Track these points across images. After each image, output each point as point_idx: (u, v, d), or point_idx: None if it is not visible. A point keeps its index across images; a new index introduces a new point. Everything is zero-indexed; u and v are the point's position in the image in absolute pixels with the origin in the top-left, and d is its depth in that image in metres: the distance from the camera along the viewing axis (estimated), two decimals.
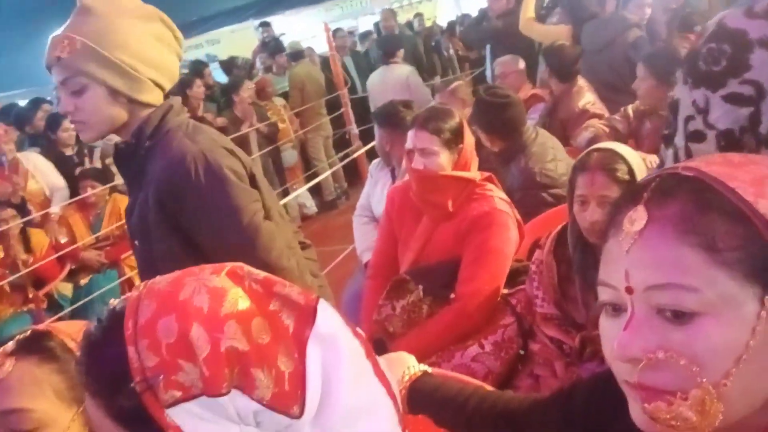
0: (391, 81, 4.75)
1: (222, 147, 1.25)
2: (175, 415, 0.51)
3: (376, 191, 2.63)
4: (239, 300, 0.53)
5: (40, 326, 0.82)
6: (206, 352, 0.50)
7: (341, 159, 5.81)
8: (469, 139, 1.85)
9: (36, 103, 4.71)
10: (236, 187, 1.23)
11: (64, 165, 3.97)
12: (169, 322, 0.51)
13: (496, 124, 2.41)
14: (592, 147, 1.57)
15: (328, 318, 0.57)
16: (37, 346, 0.77)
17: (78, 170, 3.93)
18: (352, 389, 0.55)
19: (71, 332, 0.79)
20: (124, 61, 1.20)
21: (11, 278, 3.19)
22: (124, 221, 3.73)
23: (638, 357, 0.48)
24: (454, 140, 1.81)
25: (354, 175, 5.71)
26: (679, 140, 0.70)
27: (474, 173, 1.84)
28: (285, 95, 5.97)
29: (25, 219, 3.27)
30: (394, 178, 2.56)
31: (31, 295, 3.41)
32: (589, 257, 1.47)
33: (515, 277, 1.81)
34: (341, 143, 6.17)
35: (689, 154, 0.67)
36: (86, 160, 4.12)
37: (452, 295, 1.73)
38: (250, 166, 1.30)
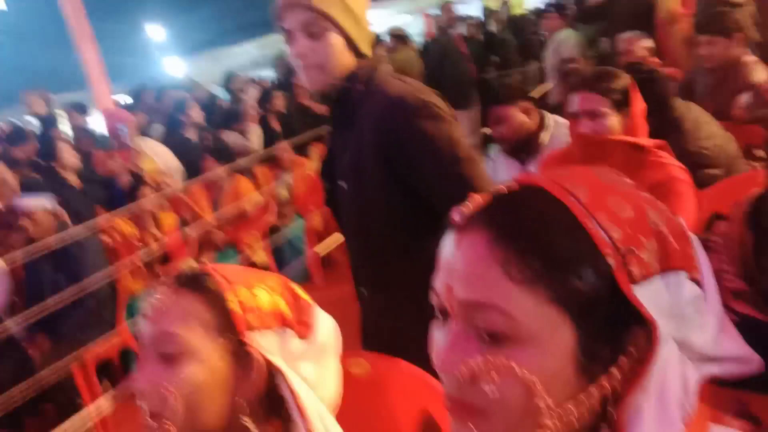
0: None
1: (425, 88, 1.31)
2: (639, 294, 0.45)
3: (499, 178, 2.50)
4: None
5: (202, 265, 0.88)
6: (664, 226, 0.48)
7: None
8: (638, 102, 1.74)
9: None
10: (450, 123, 1.28)
11: (186, 148, 4.15)
12: (617, 199, 0.48)
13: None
14: None
15: None
16: (193, 282, 0.81)
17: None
18: None
19: (227, 273, 0.82)
20: (358, 12, 1.26)
21: (150, 258, 3.35)
22: (242, 202, 3.85)
23: None
24: (624, 102, 1.70)
25: None
26: None
27: (645, 139, 1.72)
28: None
29: (159, 194, 3.42)
30: (521, 160, 2.39)
31: (160, 273, 3.58)
32: None
33: None
34: None
35: None
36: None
37: None
38: None
